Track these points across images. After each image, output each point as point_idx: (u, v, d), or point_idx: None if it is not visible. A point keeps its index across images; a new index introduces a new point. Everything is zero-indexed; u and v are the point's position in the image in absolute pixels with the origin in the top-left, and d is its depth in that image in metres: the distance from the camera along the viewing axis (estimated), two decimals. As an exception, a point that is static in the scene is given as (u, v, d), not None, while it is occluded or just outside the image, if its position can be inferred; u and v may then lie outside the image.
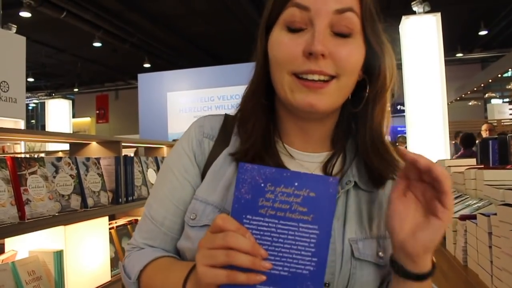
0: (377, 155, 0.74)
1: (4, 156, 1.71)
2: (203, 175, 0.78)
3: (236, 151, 0.75)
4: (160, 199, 0.78)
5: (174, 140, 6.80)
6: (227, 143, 0.78)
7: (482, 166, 2.36)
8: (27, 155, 6.38)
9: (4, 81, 5.82)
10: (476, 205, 1.72)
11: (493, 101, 13.97)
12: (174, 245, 0.78)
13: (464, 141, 6.24)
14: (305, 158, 0.77)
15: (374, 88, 0.73)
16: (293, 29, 0.68)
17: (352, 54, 0.68)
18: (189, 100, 10.65)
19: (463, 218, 1.45)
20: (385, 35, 0.73)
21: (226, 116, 0.83)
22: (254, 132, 0.73)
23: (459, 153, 6.37)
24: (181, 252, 0.77)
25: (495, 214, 1.12)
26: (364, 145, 0.75)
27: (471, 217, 1.40)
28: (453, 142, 8.20)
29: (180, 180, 0.78)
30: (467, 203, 1.82)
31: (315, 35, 0.65)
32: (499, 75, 11.01)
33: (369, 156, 0.74)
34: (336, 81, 0.68)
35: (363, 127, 0.75)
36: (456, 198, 2.03)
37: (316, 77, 0.67)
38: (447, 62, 5.86)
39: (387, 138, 0.76)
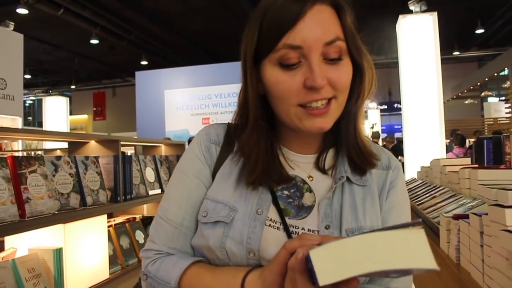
0: (357, 149, 0.82)
1: (5, 155, 1.72)
2: (212, 177, 0.84)
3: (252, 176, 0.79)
4: (176, 202, 0.83)
5: (165, 139, 6.80)
6: (232, 148, 0.86)
7: (477, 165, 2.39)
8: (27, 154, 6.38)
9: (2, 79, 5.82)
10: (469, 204, 1.74)
11: (490, 99, 14.03)
12: None
13: (460, 140, 7.37)
14: (301, 159, 0.84)
15: (358, 89, 0.79)
16: (287, 65, 0.72)
17: (344, 75, 0.74)
18: (186, 98, 10.66)
19: (457, 217, 1.47)
20: (363, 46, 0.78)
21: (229, 124, 0.89)
22: (260, 161, 0.78)
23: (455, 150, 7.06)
24: (195, 249, 0.82)
25: (487, 214, 1.15)
26: (346, 140, 0.82)
27: (464, 216, 1.42)
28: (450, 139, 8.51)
29: (195, 181, 0.84)
30: (461, 202, 1.85)
31: (313, 70, 0.70)
32: (496, 74, 11.07)
33: (350, 150, 0.82)
34: (335, 100, 0.74)
35: (347, 123, 0.82)
36: (450, 197, 2.06)
37: (319, 103, 0.73)
38: (444, 61, 5.88)
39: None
